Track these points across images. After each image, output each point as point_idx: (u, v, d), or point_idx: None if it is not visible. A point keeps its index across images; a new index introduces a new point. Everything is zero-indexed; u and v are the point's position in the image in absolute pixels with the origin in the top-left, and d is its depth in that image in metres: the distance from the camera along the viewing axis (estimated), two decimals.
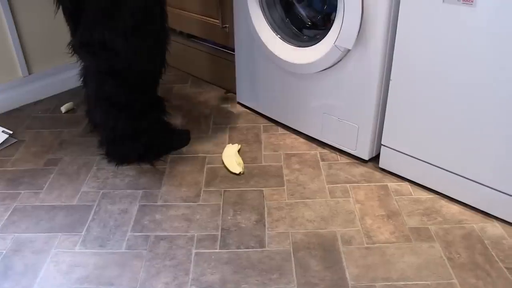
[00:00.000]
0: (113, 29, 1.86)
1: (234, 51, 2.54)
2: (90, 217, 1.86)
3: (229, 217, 1.84)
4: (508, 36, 1.54)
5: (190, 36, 2.94)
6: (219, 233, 1.76)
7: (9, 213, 1.88)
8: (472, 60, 1.63)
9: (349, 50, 1.94)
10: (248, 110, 2.59)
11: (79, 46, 1.96)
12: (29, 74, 2.71)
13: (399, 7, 1.76)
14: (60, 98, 2.78)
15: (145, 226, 1.80)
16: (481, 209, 1.83)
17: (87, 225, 1.82)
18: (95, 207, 1.91)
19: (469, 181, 1.81)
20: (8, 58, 2.61)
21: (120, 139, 2.12)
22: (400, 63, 1.83)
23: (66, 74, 2.82)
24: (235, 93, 2.67)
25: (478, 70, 1.63)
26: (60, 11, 1.95)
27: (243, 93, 2.60)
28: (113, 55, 1.91)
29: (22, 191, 2.01)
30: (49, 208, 1.91)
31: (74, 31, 1.95)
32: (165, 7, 2.01)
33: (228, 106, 2.63)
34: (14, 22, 2.57)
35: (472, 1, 1.56)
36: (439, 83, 1.74)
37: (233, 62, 2.59)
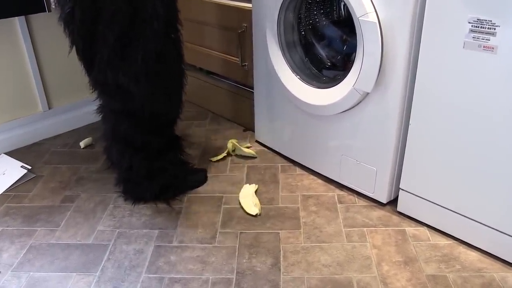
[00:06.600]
0: (126, 71, 1.85)
1: (253, 89, 2.55)
2: (105, 257, 1.85)
3: (244, 260, 1.82)
4: None
5: (209, 73, 2.96)
6: (234, 276, 1.74)
7: (25, 250, 1.89)
8: (493, 106, 1.61)
9: (368, 93, 1.93)
10: (266, 149, 2.58)
11: (95, 85, 1.97)
12: (49, 108, 2.74)
13: (419, 51, 1.75)
14: (80, 132, 2.81)
15: (160, 267, 1.79)
16: (502, 257, 1.79)
17: (102, 265, 1.81)
18: (110, 246, 1.90)
19: (489, 228, 1.78)
20: (29, 93, 2.65)
21: (135, 179, 2.12)
22: (420, 108, 1.81)
23: (86, 109, 2.85)
24: (253, 131, 2.67)
25: (499, 116, 1.61)
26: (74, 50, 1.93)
27: (262, 132, 2.59)
28: (127, 96, 1.92)
29: (39, 228, 2.01)
30: (65, 247, 1.91)
31: (88, 70, 1.94)
32: (181, 50, 1.99)
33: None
34: (36, 58, 2.61)
35: (493, 48, 1.55)
36: (459, 129, 1.72)
37: (252, 100, 2.60)
